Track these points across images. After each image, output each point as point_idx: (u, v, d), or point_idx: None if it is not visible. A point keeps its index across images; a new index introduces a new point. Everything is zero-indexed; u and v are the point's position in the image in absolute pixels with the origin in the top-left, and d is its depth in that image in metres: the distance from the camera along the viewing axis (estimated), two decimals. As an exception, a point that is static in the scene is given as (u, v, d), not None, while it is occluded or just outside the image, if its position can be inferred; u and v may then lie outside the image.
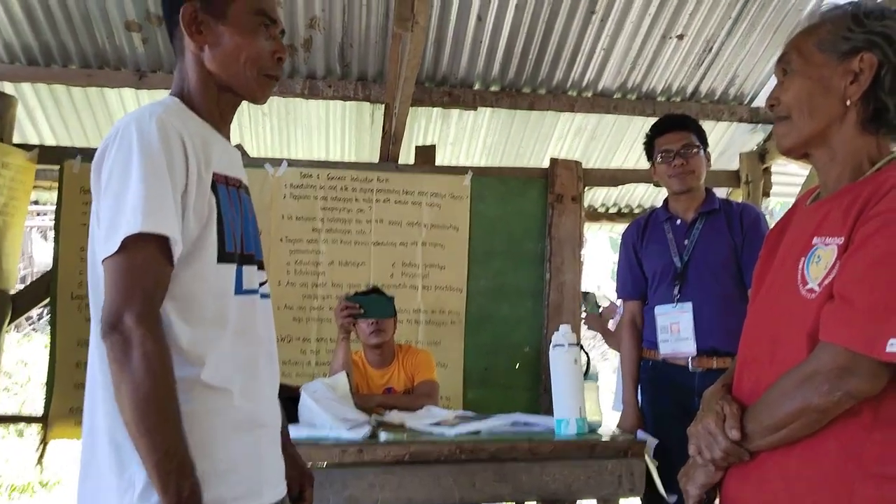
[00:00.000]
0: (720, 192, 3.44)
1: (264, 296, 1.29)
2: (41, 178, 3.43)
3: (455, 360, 3.43)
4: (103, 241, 1.08)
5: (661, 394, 2.45)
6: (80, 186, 3.22)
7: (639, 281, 2.58)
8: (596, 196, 4.50)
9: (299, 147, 4.01)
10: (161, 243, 1.07)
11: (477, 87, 3.66)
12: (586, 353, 2.15)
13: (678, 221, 2.51)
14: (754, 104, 3.89)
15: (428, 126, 3.89)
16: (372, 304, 2.61)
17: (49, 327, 3.29)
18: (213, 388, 1.13)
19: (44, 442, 3.20)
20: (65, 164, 3.25)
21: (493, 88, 3.68)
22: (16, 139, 3.35)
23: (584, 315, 3.40)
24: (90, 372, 1.14)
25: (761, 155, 3.98)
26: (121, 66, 3.37)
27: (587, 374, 2.25)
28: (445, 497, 1.94)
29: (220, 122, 1.27)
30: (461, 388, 3.41)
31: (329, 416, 2.04)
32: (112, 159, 1.10)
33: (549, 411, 2.28)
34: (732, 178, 3.99)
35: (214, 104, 1.25)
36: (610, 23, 3.37)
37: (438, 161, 3.67)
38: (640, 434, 2.32)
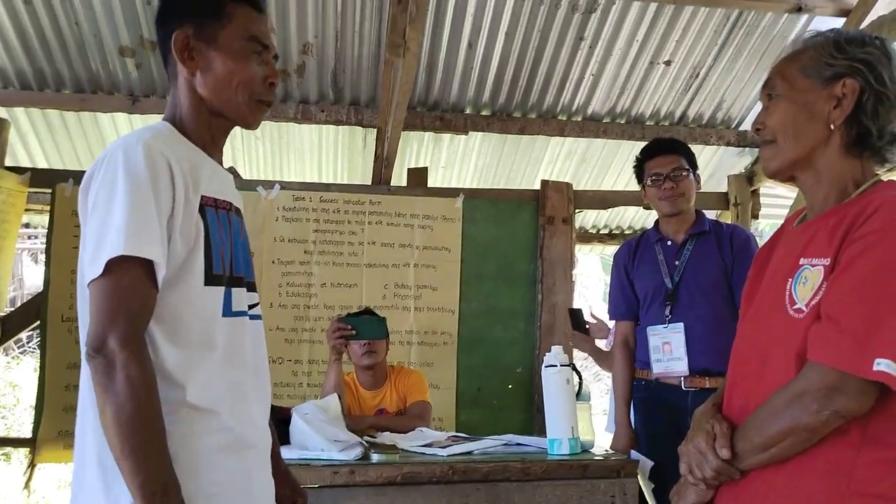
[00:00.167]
0: (709, 215, 3.47)
1: (254, 317, 1.29)
2: (33, 201, 3.44)
3: (448, 382, 3.42)
4: (88, 264, 1.08)
5: (655, 413, 2.46)
6: (71, 210, 3.21)
7: (631, 302, 2.60)
8: (587, 218, 4.52)
9: (292, 170, 4.03)
10: (146, 266, 1.08)
11: (468, 111, 3.69)
12: (578, 374, 2.15)
13: (669, 243, 2.54)
14: (741, 128, 3.94)
15: (420, 150, 3.91)
16: (364, 326, 2.60)
17: (39, 350, 3.26)
18: (200, 410, 1.13)
19: (31, 465, 3.16)
20: (57, 188, 3.26)
21: (483, 113, 3.71)
22: (8, 162, 3.36)
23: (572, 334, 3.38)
24: (81, 394, 1.14)
25: (749, 177, 4.02)
26: (114, 90, 3.38)
27: (579, 393, 2.25)
28: (438, 519, 1.93)
29: (212, 146, 1.27)
30: (454, 409, 3.41)
31: (320, 437, 2.03)
32: (98, 184, 1.11)
33: (542, 432, 2.28)
34: (721, 201, 4.02)
35: (206, 129, 1.26)
36: (598, 49, 3.42)
37: (430, 184, 3.69)
38: (634, 454, 2.32)
